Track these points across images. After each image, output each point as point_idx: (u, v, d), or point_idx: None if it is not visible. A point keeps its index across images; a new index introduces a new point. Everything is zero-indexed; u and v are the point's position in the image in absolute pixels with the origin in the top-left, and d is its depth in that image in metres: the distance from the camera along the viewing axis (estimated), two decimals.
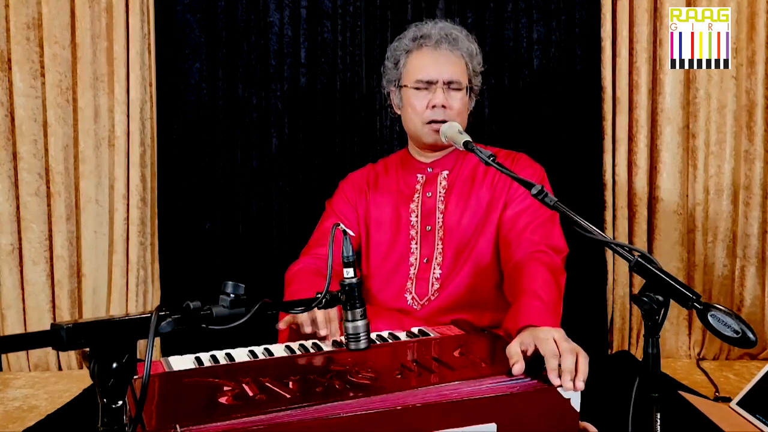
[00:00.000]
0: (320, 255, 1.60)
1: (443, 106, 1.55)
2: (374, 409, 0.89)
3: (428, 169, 1.66)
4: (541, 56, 2.29)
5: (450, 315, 1.51)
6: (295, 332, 1.31)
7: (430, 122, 1.56)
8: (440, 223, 1.60)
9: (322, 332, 1.24)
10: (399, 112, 1.68)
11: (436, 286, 1.56)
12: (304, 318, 1.26)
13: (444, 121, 1.53)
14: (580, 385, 1.01)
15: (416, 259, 1.60)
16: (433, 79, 1.56)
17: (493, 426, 0.95)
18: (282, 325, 1.32)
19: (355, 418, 0.88)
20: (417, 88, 1.57)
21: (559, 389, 1.01)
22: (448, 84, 1.56)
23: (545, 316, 1.19)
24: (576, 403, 1.02)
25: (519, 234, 1.49)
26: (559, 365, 1.02)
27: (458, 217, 1.58)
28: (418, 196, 1.63)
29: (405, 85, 1.61)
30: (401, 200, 1.65)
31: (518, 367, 1.03)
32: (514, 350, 1.07)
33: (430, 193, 1.63)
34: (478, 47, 1.65)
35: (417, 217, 1.62)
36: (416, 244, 1.61)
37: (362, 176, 1.74)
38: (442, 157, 1.66)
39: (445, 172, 1.64)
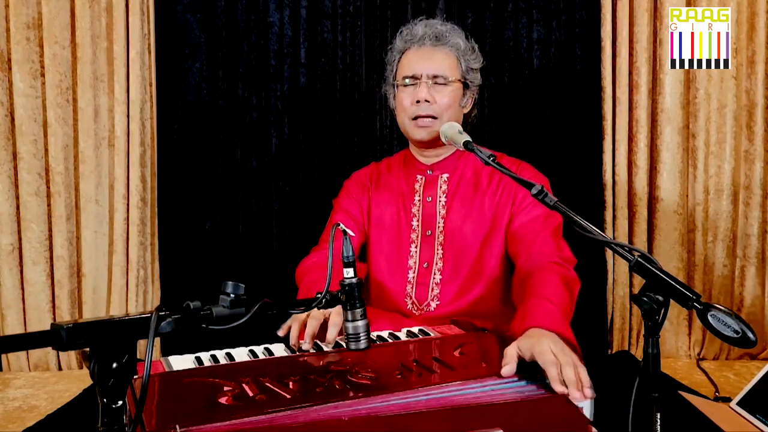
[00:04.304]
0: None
1: (427, 101, 1.54)
2: (376, 412, 0.89)
3: (428, 171, 1.66)
4: (541, 56, 2.29)
5: None
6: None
7: (415, 118, 1.57)
8: (441, 228, 1.59)
9: (305, 345, 1.21)
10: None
11: (436, 291, 1.57)
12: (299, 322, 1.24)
13: (429, 116, 1.55)
14: (589, 392, 0.99)
15: (416, 262, 1.60)
16: (416, 73, 1.57)
17: None
18: (281, 332, 1.27)
19: (357, 420, 0.87)
20: (404, 86, 1.59)
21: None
22: (434, 79, 1.56)
23: (554, 319, 1.16)
24: (588, 411, 1.00)
25: (529, 246, 1.47)
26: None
27: (460, 224, 1.58)
28: (419, 199, 1.63)
29: (396, 85, 1.64)
30: (402, 201, 1.66)
31: (507, 369, 1.02)
32: (510, 353, 1.06)
33: (431, 198, 1.63)
34: (470, 43, 1.64)
35: (418, 221, 1.62)
36: (416, 247, 1.61)
37: (366, 174, 1.76)
38: (442, 159, 1.65)
39: (446, 176, 1.64)
